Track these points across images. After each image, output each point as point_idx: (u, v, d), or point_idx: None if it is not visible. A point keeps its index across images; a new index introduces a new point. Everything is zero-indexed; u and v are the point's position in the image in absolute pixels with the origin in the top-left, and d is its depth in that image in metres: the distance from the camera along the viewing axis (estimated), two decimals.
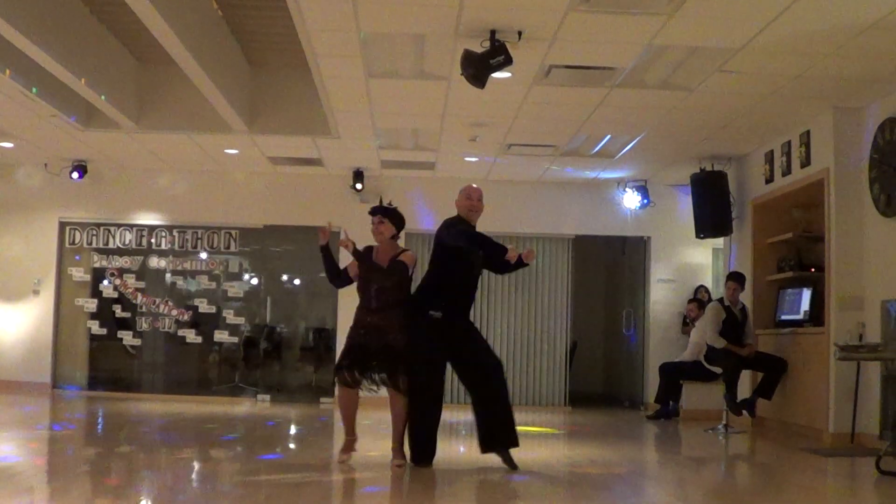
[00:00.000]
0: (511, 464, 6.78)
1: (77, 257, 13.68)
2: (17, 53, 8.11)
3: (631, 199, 13.29)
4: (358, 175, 13.11)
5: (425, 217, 12.16)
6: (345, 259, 7.56)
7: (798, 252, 10.70)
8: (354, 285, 7.05)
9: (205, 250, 13.69)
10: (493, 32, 7.25)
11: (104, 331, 13.57)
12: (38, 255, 13.43)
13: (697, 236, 12.14)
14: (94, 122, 10.98)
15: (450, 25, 7.29)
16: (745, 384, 10.76)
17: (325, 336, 14.13)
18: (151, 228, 13.63)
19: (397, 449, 6.85)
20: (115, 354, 13.74)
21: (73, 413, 11.26)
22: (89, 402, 12.41)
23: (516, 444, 6.87)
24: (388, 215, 7.00)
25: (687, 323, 13.00)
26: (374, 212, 7.04)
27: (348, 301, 8.52)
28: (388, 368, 6.76)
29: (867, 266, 9.07)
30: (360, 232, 7.49)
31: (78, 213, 13.54)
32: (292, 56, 9.71)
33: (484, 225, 7.31)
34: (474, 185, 7.21)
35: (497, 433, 6.86)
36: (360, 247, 6.99)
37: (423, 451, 6.86)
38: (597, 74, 8.50)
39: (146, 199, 13.51)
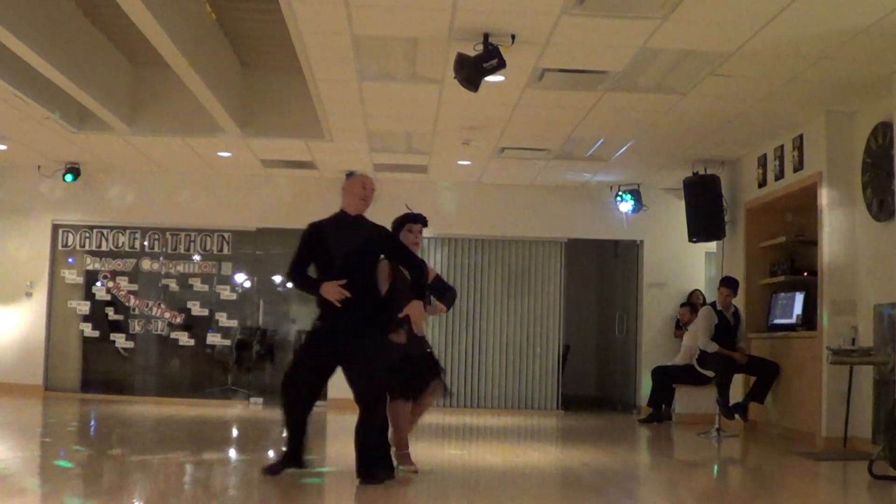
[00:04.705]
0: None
1: (70, 259, 13.65)
2: (11, 55, 8.09)
3: (624, 203, 13.30)
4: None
5: None
6: None
7: (791, 256, 10.72)
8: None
9: (197, 253, 13.67)
10: (486, 36, 7.26)
11: (97, 333, 13.54)
12: (31, 258, 13.39)
13: (690, 240, 12.14)
14: (87, 125, 10.95)
15: (443, 29, 7.28)
16: (738, 388, 10.76)
17: None
18: (144, 231, 13.60)
19: (405, 454, 6.58)
20: (107, 357, 13.71)
21: (66, 415, 11.22)
22: (82, 405, 12.37)
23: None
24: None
25: (680, 327, 13.00)
26: (421, 221, 6.73)
27: None
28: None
29: (860, 270, 9.07)
30: None
31: (71, 215, 13.50)
32: (285, 59, 9.69)
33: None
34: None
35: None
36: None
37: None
38: (590, 78, 8.51)
39: (139, 201, 13.47)
